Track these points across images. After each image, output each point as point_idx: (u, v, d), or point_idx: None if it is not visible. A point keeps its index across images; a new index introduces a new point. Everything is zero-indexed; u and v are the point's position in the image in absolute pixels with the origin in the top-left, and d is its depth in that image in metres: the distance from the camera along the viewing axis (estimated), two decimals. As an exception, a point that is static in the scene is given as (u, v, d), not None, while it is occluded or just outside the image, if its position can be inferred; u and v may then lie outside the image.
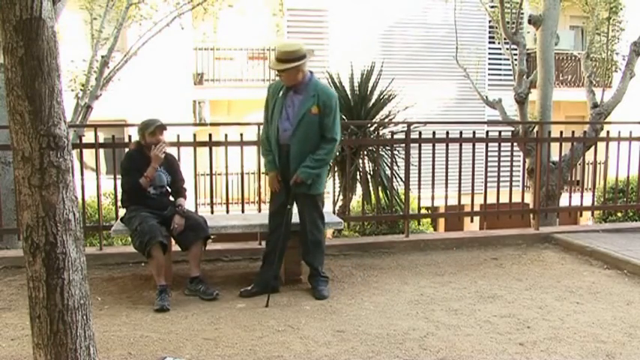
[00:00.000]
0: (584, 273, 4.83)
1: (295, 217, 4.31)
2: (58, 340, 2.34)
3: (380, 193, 6.48)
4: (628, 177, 6.58)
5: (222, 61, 15.04)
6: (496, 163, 5.84)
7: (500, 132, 6.16)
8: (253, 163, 5.49)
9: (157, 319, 3.73)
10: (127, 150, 4.70)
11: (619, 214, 7.83)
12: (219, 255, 5.14)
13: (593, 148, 6.83)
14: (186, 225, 4.24)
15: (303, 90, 4.12)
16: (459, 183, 6.08)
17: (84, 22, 10.58)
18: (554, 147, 6.72)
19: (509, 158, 5.98)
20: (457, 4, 12.61)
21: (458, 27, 12.25)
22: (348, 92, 6.97)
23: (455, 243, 5.68)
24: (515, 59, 9.85)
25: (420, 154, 5.77)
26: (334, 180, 6.54)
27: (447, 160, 5.63)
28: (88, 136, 5.44)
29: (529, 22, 8.88)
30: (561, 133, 6.28)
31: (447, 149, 5.70)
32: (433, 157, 5.69)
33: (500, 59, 15.52)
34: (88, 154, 5.48)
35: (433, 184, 5.74)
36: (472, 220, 10.06)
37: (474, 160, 5.83)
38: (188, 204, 4.56)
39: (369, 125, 6.79)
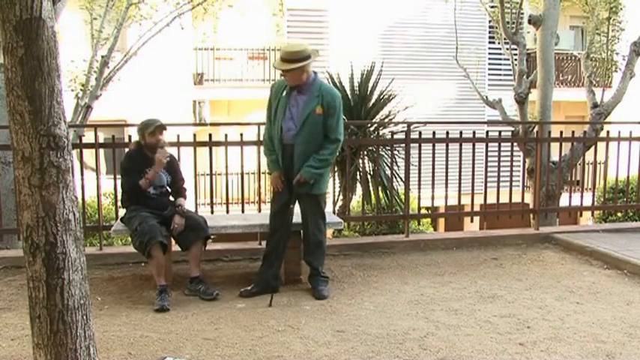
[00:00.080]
0: (584, 273, 4.83)
1: (296, 217, 4.31)
2: (58, 340, 2.34)
3: (380, 193, 6.48)
4: (628, 177, 6.58)
5: (222, 61, 15.03)
6: (496, 163, 5.84)
7: (500, 132, 6.16)
8: (253, 163, 5.48)
9: (157, 319, 3.73)
10: (126, 150, 4.69)
11: (619, 214, 7.82)
12: (219, 255, 5.14)
13: (593, 148, 6.83)
14: (186, 225, 4.24)
15: (307, 90, 4.13)
16: (459, 183, 6.08)
17: (84, 22, 10.58)
18: (554, 147, 6.72)
19: (509, 158, 5.98)
20: (457, 4, 12.61)
21: (458, 27, 12.24)
22: (348, 92, 6.97)
23: (455, 243, 5.68)
24: (515, 59, 9.85)
25: (420, 154, 5.77)
26: (334, 180, 6.54)
27: (447, 160, 5.63)
28: (88, 136, 5.44)
29: (529, 22, 8.88)
30: (561, 133, 6.28)
31: (447, 149, 5.70)
32: (433, 157, 5.69)
33: (500, 59, 15.52)
34: (88, 154, 5.48)
35: (433, 184, 5.74)
36: (472, 220, 10.06)
37: (473, 160, 5.83)
38: (188, 204, 4.56)
39: (369, 125, 6.79)
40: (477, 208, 6.17)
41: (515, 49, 9.85)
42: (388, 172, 6.33)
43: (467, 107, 15.53)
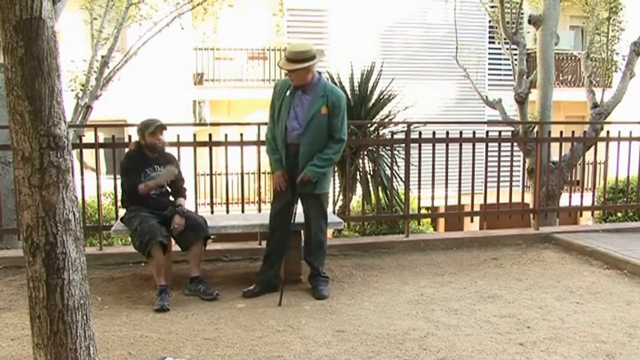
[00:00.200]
0: (584, 273, 4.83)
1: (297, 217, 4.31)
2: (58, 340, 2.34)
3: (380, 193, 6.48)
4: (628, 177, 6.58)
5: (222, 61, 15.03)
6: (496, 163, 5.84)
7: (500, 132, 6.16)
8: (253, 163, 5.48)
9: (157, 319, 3.73)
10: (126, 150, 4.69)
11: (619, 214, 7.82)
12: (219, 255, 5.14)
13: (593, 148, 6.83)
14: (186, 225, 4.24)
15: (312, 90, 4.14)
16: (459, 183, 6.08)
17: (84, 22, 10.58)
18: (554, 147, 6.72)
19: (509, 158, 5.98)
20: (457, 4, 12.61)
21: (458, 27, 12.24)
22: (348, 92, 6.96)
23: (455, 243, 5.68)
24: (515, 59, 9.85)
25: (420, 154, 5.77)
26: (334, 180, 6.53)
27: (447, 160, 5.63)
28: (88, 136, 5.44)
29: (529, 22, 8.88)
30: (561, 133, 6.28)
31: (447, 149, 5.70)
32: (433, 157, 5.69)
33: (500, 59, 15.51)
34: (88, 154, 5.48)
35: (433, 184, 5.74)
36: (472, 220, 10.06)
37: (473, 160, 5.84)
38: (188, 204, 4.56)
39: (369, 125, 6.79)
40: (477, 208, 6.17)
41: (515, 49, 9.85)
42: (388, 172, 6.33)
43: (467, 107, 15.53)
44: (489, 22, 14.74)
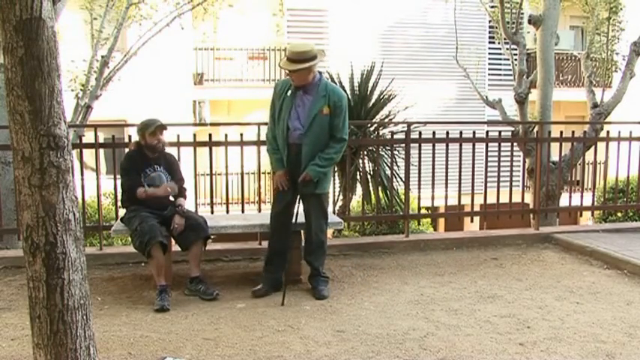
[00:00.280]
0: (584, 273, 4.83)
1: (298, 217, 4.31)
2: (58, 340, 2.34)
3: (380, 193, 6.48)
4: (628, 177, 6.58)
5: (222, 61, 15.03)
6: (496, 163, 5.84)
7: (500, 132, 6.16)
8: (253, 163, 5.48)
9: (157, 319, 3.73)
10: (126, 150, 4.70)
11: (619, 214, 7.82)
12: (219, 255, 5.14)
13: (593, 148, 6.83)
14: (186, 225, 4.24)
15: (313, 90, 4.14)
16: (459, 183, 6.08)
17: (84, 22, 10.58)
18: (554, 147, 6.71)
19: (509, 158, 5.98)
20: (457, 4, 12.60)
21: (458, 27, 12.24)
22: (348, 92, 6.96)
23: (455, 243, 5.68)
24: (515, 59, 9.85)
25: (420, 154, 5.77)
26: (334, 180, 6.53)
27: (447, 160, 5.63)
28: (88, 136, 5.44)
29: (529, 22, 8.88)
30: (561, 133, 6.28)
31: (447, 149, 5.70)
32: (433, 157, 5.69)
33: (500, 59, 15.51)
34: (88, 154, 5.48)
35: (433, 184, 5.74)
36: (472, 220, 10.06)
37: (474, 160, 5.83)
38: (188, 204, 4.56)
39: (369, 125, 6.79)
40: (476, 208, 6.17)
41: (515, 49, 9.85)
42: (388, 172, 6.33)
43: (467, 107, 15.53)
44: (489, 22, 14.74)
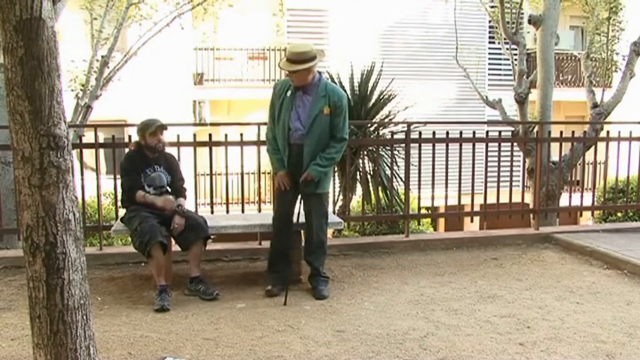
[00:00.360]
0: (584, 273, 4.83)
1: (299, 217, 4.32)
2: (58, 340, 2.34)
3: (380, 193, 6.48)
4: (628, 177, 6.58)
5: (222, 61, 15.03)
6: (496, 163, 5.84)
7: (500, 132, 6.16)
8: (253, 163, 5.48)
9: (157, 319, 3.73)
10: (127, 150, 4.69)
11: (619, 214, 7.82)
12: (219, 255, 5.14)
13: (593, 148, 6.83)
14: (186, 225, 4.24)
15: (313, 90, 4.15)
16: (459, 183, 6.08)
17: (84, 22, 10.58)
18: (554, 147, 6.72)
19: (509, 158, 5.98)
20: (457, 4, 12.61)
21: (458, 27, 12.24)
22: (348, 92, 6.96)
23: (455, 243, 5.68)
24: (515, 59, 9.85)
25: (420, 154, 5.77)
26: (334, 180, 6.54)
27: (447, 160, 5.63)
28: (88, 136, 5.44)
29: (529, 22, 8.88)
30: (561, 133, 6.28)
31: (447, 149, 5.70)
32: (433, 157, 5.69)
33: (500, 59, 15.51)
34: (88, 154, 5.48)
35: (433, 184, 5.74)
36: (472, 220, 10.06)
37: (474, 160, 5.83)
38: (188, 204, 4.56)
39: (369, 125, 6.79)
40: (477, 208, 6.17)
41: (515, 49, 9.85)
42: (388, 172, 6.33)
43: (467, 107, 15.53)
44: (489, 22, 14.74)
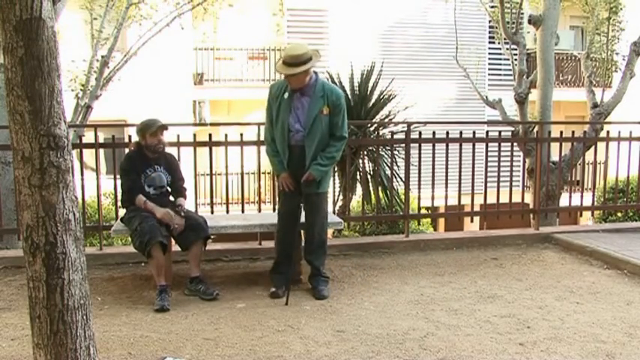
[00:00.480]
0: (584, 273, 4.83)
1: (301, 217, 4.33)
2: (58, 340, 2.34)
3: (380, 193, 6.48)
4: (628, 177, 6.58)
5: (222, 61, 15.03)
6: (496, 163, 5.84)
7: (500, 132, 6.16)
8: (253, 163, 5.49)
9: (157, 319, 3.73)
10: (126, 150, 4.69)
11: (619, 214, 7.82)
12: (219, 255, 5.14)
13: (593, 148, 6.83)
14: (186, 225, 4.24)
15: (310, 91, 4.15)
16: (459, 183, 6.08)
17: (84, 22, 10.58)
18: (554, 147, 6.72)
19: (509, 158, 5.98)
20: (457, 4, 12.61)
21: (458, 27, 12.25)
22: (348, 92, 6.96)
23: (455, 243, 5.68)
24: (515, 59, 9.85)
25: (420, 154, 5.77)
26: (334, 180, 6.54)
27: (447, 160, 5.63)
28: (88, 136, 5.44)
29: (529, 22, 8.88)
30: (561, 133, 6.28)
31: (447, 149, 5.70)
32: (433, 157, 5.69)
33: (500, 59, 15.52)
34: (88, 154, 5.48)
35: (433, 184, 5.74)
36: (472, 220, 10.06)
37: (474, 160, 5.84)
38: (188, 204, 4.56)
39: (369, 125, 6.79)
40: (477, 208, 6.17)
41: (515, 49, 9.85)
42: (388, 172, 6.33)
43: (467, 107, 15.53)
44: (489, 22, 14.74)
